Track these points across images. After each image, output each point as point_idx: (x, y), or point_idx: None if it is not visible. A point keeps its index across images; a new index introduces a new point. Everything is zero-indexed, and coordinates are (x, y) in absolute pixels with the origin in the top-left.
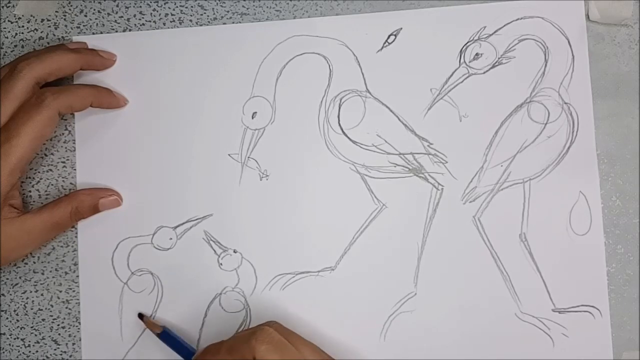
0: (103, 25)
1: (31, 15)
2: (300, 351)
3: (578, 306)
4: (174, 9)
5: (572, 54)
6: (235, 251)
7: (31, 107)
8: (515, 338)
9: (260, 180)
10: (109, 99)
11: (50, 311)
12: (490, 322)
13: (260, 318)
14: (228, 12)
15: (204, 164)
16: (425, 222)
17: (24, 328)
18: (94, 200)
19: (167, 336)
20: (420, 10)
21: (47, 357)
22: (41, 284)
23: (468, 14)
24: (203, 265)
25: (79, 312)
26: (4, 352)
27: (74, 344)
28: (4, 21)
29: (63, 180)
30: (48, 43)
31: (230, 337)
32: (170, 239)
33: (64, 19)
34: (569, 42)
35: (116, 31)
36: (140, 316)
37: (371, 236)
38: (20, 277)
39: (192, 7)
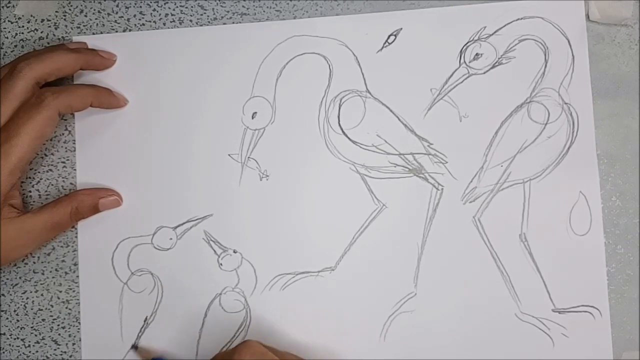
0: (103, 25)
1: (31, 15)
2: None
3: (578, 306)
4: (174, 9)
5: (572, 54)
6: (235, 251)
7: (31, 107)
8: (515, 338)
9: (260, 180)
10: (109, 99)
11: (50, 311)
12: (490, 322)
13: (260, 318)
14: (228, 12)
15: (204, 164)
16: (425, 222)
17: (24, 328)
18: (94, 200)
19: None
20: (420, 10)
21: (47, 357)
22: (41, 284)
23: (468, 14)
24: (203, 265)
25: (79, 312)
26: (4, 352)
27: (74, 344)
28: (4, 21)
29: (63, 180)
30: (48, 43)
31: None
32: (170, 239)
33: (64, 19)
34: (569, 42)
35: (116, 31)
36: (135, 347)
37: (371, 236)
38: (20, 277)
39: (192, 7)
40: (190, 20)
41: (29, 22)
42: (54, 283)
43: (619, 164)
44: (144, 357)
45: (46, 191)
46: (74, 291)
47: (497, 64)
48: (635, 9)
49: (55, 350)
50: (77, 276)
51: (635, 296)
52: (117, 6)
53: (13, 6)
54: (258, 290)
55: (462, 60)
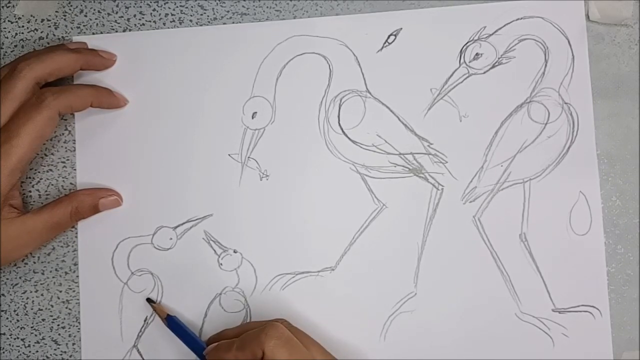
0: (103, 25)
1: (31, 15)
2: (309, 349)
3: (578, 306)
4: (174, 9)
5: (572, 54)
6: (235, 251)
7: (31, 107)
8: (515, 338)
9: (260, 180)
10: (109, 99)
11: (50, 311)
12: (490, 322)
13: (260, 318)
14: (228, 12)
15: (204, 164)
16: (425, 222)
17: (24, 328)
18: (94, 200)
19: (174, 325)
20: (420, 10)
21: (47, 357)
22: (41, 284)
23: (468, 14)
24: (203, 265)
25: (79, 312)
26: (4, 352)
27: (74, 344)
28: (4, 21)
29: (63, 180)
30: (48, 43)
31: (238, 326)
32: (170, 239)
33: (64, 19)
34: (569, 42)
35: (116, 31)
36: (149, 300)
37: (371, 236)
38: (20, 277)
39: (192, 7)
40: (190, 20)
41: (29, 22)
42: (54, 283)
43: (619, 164)
44: (159, 313)
45: (46, 191)
46: (74, 291)
47: (497, 63)
48: (635, 9)
49: (55, 350)
50: (77, 276)
51: (635, 296)
52: (117, 6)
53: (13, 6)
54: (258, 290)
55: (462, 60)
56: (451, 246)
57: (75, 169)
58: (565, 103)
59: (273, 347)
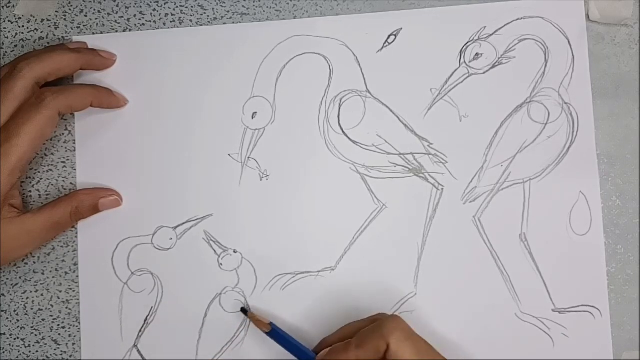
0: (103, 25)
1: (31, 15)
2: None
3: (578, 306)
4: (174, 9)
5: (572, 54)
6: (235, 251)
7: (31, 107)
8: (515, 338)
9: (260, 180)
10: (109, 99)
11: (50, 311)
12: (490, 322)
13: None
14: (228, 12)
15: (204, 164)
16: (425, 222)
17: (24, 328)
18: (94, 200)
19: (276, 334)
20: (420, 10)
21: (47, 357)
22: (41, 284)
23: (468, 14)
24: (203, 265)
25: (79, 312)
26: (4, 352)
27: (74, 344)
28: (4, 21)
29: (63, 180)
30: (48, 43)
31: (338, 330)
32: (170, 239)
33: (64, 19)
34: (569, 42)
35: (116, 31)
36: (244, 311)
37: (371, 236)
38: (20, 277)
39: (192, 7)
40: (190, 20)
41: (29, 22)
42: (54, 283)
43: (619, 164)
44: (259, 326)
45: (46, 191)
46: (74, 291)
47: (497, 63)
48: (635, 9)
49: (55, 350)
50: (77, 276)
51: (635, 296)
52: (117, 6)
53: (13, 6)
54: (258, 290)
55: (462, 60)
56: (451, 246)
57: (75, 169)
58: (565, 103)
59: (398, 340)
